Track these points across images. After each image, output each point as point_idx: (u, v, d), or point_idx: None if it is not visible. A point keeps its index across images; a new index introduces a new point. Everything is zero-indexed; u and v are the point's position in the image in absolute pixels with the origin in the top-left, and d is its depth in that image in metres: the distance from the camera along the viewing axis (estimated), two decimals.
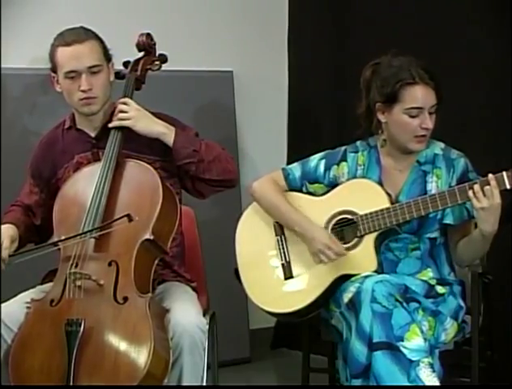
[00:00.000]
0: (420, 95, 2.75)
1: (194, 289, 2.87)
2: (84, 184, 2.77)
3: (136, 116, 2.79)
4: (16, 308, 2.65)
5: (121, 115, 2.80)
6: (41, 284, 2.83)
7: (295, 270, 2.89)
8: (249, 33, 4.32)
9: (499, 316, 3.17)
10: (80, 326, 2.49)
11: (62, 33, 2.81)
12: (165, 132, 2.79)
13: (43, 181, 2.93)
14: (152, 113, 2.89)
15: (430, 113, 2.77)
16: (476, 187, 2.63)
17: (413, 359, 2.55)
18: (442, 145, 2.89)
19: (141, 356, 2.45)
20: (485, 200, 2.61)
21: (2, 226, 2.75)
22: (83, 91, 2.77)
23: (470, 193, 2.63)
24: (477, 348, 2.85)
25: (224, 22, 4.25)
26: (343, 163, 2.93)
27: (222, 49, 4.22)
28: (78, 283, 2.58)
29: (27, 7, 3.83)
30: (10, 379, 2.54)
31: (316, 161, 2.97)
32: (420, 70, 2.76)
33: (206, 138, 2.90)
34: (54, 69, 2.83)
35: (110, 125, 2.80)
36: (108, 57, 2.86)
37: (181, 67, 3.67)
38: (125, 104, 2.82)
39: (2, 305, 2.66)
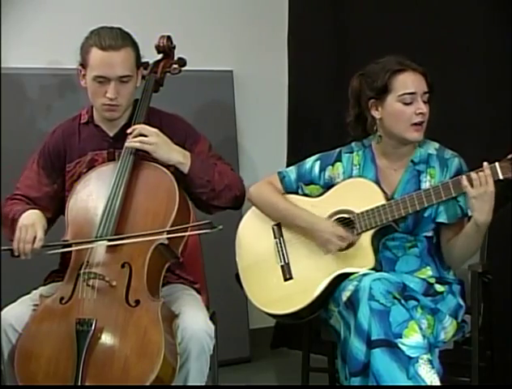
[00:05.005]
0: (410, 80, 2.78)
1: (197, 291, 2.88)
2: (100, 183, 2.76)
3: (157, 143, 2.75)
4: (23, 309, 2.65)
5: (142, 139, 2.75)
6: (44, 284, 2.83)
7: (294, 271, 2.89)
8: (249, 33, 4.31)
9: (499, 316, 3.17)
10: (91, 326, 2.50)
11: (99, 32, 2.76)
12: (182, 162, 2.77)
13: (55, 172, 2.89)
14: (168, 115, 2.91)
15: (424, 102, 2.78)
16: (474, 175, 2.65)
17: (412, 356, 2.56)
18: (437, 145, 2.90)
19: (151, 361, 2.46)
20: (480, 188, 2.63)
21: (32, 212, 2.71)
22: (109, 98, 2.75)
23: (465, 181, 2.65)
24: (477, 348, 2.85)
25: (224, 22, 4.25)
26: (338, 163, 2.94)
27: (222, 49, 4.22)
28: (91, 283, 2.58)
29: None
30: (16, 376, 2.54)
31: (311, 163, 2.98)
32: (407, 60, 2.80)
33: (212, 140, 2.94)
34: (84, 64, 2.79)
35: (130, 145, 2.75)
36: (139, 65, 2.83)
37: None
38: (143, 129, 2.78)
39: (8, 307, 2.66)
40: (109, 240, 2.62)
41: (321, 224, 2.84)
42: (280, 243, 2.94)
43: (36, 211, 2.74)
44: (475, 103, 3.63)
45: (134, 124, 2.81)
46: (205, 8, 4.21)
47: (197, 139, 2.90)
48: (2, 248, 2.65)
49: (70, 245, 2.68)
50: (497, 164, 2.65)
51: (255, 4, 4.34)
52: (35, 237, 2.64)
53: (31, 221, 2.67)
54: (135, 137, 2.76)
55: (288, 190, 2.99)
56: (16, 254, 2.64)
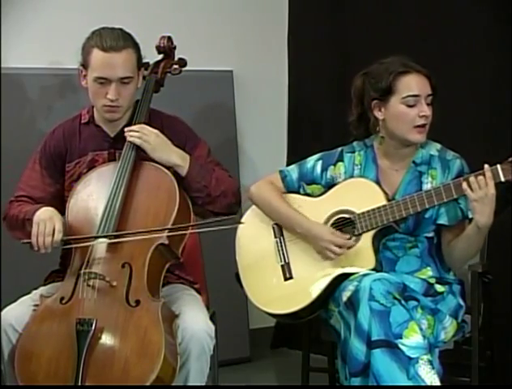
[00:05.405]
0: (414, 82, 2.78)
1: (197, 291, 2.88)
2: (101, 184, 2.76)
3: (155, 144, 2.76)
4: (23, 309, 2.65)
5: (142, 135, 2.75)
6: (44, 284, 2.83)
7: (294, 270, 2.89)
8: (249, 33, 4.32)
9: (499, 316, 3.17)
10: (91, 326, 2.50)
11: (100, 33, 2.76)
12: (180, 164, 2.77)
13: (57, 172, 2.88)
14: (170, 117, 2.92)
15: (427, 104, 2.78)
16: (472, 179, 2.64)
17: (412, 356, 2.56)
18: (439, 146, 2.90)
19: (151, 362, 2.46)
20: (480, 191, 2.63)
21: (47, 208, 2.71)
22: (110, 99, 2.75)
23: (464, 185, 2.65)
24: (477, 348, 2.86)
25: (224, 22, 4.25)
26: (340, 163, 2.94)
27: (222, 49, 4.22)
28: (91, 283, 2.58)
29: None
30: (16, 376, 2.54)
31: (313, 162, 2.98)
32: (411, 62, 2.80)
33: (210, 142, 2.95)
34: (85, 65, 2.79)
35: (131, 139, 2.76)
36: (140, 65, 2.83)
37: None
38: (143, 129, 2.78)
39: (8, 307, 2.66)
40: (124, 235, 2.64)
41: (318, 231, 2.84)
42: (280, 242, 2.94)
43: (50, 208, 2.73)
44: (476, 104, 3.63)
45: (135, 124, 2.81)
46: (205, 8, 4.21)
47: (197, 143, 2.90)
48: (23, 241, 2.66)
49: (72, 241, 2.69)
50: (498, 166, 2.64)
51: (255, 4, 4.34)
52: (54, 230, 2.64)
53: (48, 216, 2.67)
54: (134, 132, 2.77)
55: (290, 189, 2.99)
56: (36, 248, 2.65)
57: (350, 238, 2.82)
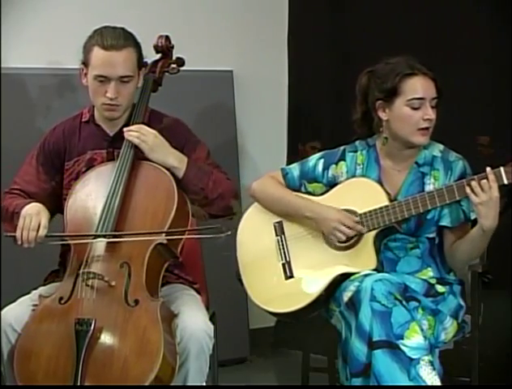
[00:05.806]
0: (419, 85, 2.77)
1: (196, 291, 2.88)
2: (100, 183, 2.76)
3: (153, 145, 2.75)
4: (22, 309, 2.65)
5: (140, 135, 2.75)
6: (44, 285, 2.82)
7: (295, 269, 2.89)
8: (249, 33, 4.31)
9: (499, 316, 3.17)
10: (90, 326, 2.50)
11: (102, 31, 2.77)
12: (177, 166, 2.76)
13: (54, 170, 2.88)
14: (170, 119, 2.91)
15: (432, 107, 2.77)
16: (474, 183, 2.64)
17: (413, 357, 2.56)
18: (441, 147, 2.89)
19: (150, 361, 2.46)
20: (483, 195, 2.62)
21: (35, 204, 2.71)
22: (109, 98, 2.75)
23: (467, 189, 2.64)
24: (477, 348, 2.86)
25: (224, 22, 4.25)
26: (342, 162, 2.94)
27: (222, 49, 4.22)
28: (90, 282, 2.58)
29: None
30: (15, 377, 2.54)
31: (314, 161, 2.98)
32: (417, 64, 2.79)
33: (207, 141, 2.94)
34: (85, 63, 2.79)
35: (129, 138, 2.76)
36: (140, 65, 2.83)
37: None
38: (141, 129, 2.78)
39: (8, 307, 2.66)
40: (114, 236, 2.63)
41: (328, 213, 2.83)
42: (282, 241, 2.94)
43: (39, 204, 2.73)
44: (477, 104, 3.63)
45: (133, 124, 2.81)
46: (205, 8, 4.21)
47: (196, 145, 2.90)
48: (7, 234, 2.67)
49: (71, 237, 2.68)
50: (501, 168, 2.63)
51: (255, 4, 4.34)
52: (39, 225, 2.64)
53: (35, 211, 2.68)
54: (133, 131, 2.77)
55: (291, 187, 2.98)
56: (19, 242, 2.65)
57: (359, 222, 2.81)
